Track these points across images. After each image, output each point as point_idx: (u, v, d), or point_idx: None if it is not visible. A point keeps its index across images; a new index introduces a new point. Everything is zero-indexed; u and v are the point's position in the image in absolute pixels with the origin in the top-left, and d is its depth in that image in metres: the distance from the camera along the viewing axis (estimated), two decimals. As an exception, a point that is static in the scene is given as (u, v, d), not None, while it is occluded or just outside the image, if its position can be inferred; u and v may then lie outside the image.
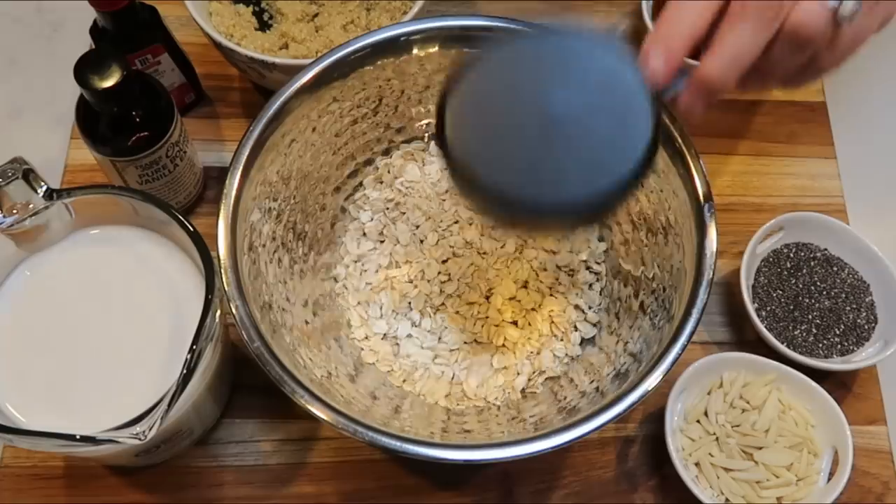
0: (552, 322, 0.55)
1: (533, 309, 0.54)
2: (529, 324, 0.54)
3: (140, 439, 0.39)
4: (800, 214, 0.59)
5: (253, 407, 0.55)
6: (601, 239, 0.57)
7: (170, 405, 0.39)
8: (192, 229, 0.45)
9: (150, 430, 0.39)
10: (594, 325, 0.54)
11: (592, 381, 0.50)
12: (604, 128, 0.37)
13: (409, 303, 0.55)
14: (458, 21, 0.53)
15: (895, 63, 0.62)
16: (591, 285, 0.56)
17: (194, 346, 0.41)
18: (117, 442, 0.38)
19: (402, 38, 0.53)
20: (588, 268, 0.57)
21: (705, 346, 0.58)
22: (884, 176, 0.66)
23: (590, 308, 0.55)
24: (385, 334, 0.54)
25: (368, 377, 0.52)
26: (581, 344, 0.54)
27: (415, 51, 0.53)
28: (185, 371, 0.40)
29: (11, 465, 0.52)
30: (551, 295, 0.55)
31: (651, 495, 0.53)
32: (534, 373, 0.53)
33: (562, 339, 0.54)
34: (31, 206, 0.44)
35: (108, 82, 0.48)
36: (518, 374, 0.53)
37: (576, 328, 0.54)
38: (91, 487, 0.52)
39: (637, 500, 0.53)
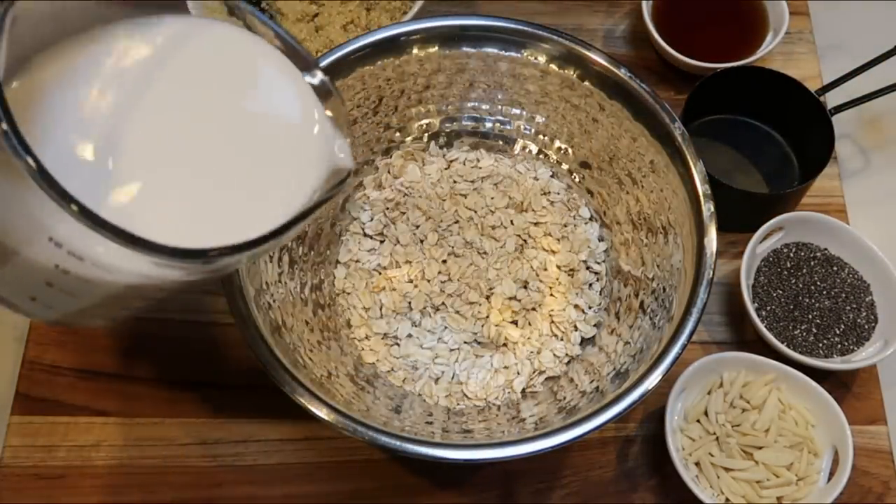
0: (552, 322, 0.55)
1: (533, 309, 0.54)
2: (529, 323, 0.54)
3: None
4: (800, 214, 0.59)
5: (253, 407, 0.54)
6: (601, 239, 0.57)
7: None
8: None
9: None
10: (594, 325, 0.54)
11: (592, 381, 0.50)
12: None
13: (409, 303, 0.55)
14: (458, 21, 0.53)
15: (894, 63, 0.61)
16: (590, 285, 0.56)
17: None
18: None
19: (401, 38, 0.53)
20: (588, 267, 0.57)
21: (705, 346, 0.58)
22: (884, 176, 0.66)
23: (590, 308, 0.55)
24: (385, 334, 0.54)
25: (368, 377, 0.52)
26: (581, 344, 0.54)
27: (414, 51, 0.53)
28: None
29: (11, 464, 0.52)
30: (551, 295, 0.55)
31: (651, 495, 0.53)
32: (534, 372, 0.53)
33: (562, 339, 0.54)
34: None
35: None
36: (518, 374, 0.53)
37: (576, 328, 0.54)
38: (91, 487, 0.52)
39: (637, 500, 0.53)
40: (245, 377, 0.55)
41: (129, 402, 0.55)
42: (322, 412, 0.42)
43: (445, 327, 0.54)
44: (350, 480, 0.53)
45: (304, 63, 0.37)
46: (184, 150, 0.33)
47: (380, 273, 0.56)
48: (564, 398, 0.50)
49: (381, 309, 0.55)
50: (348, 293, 0.56)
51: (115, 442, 0.53)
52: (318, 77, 0.37)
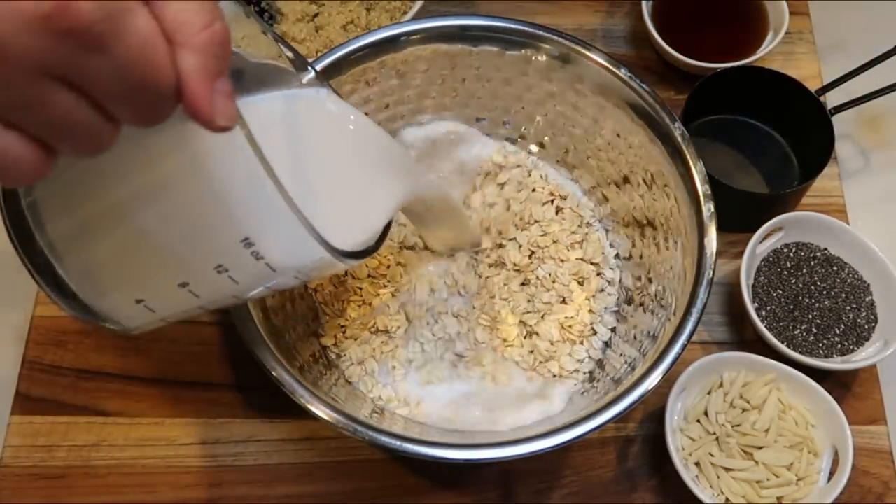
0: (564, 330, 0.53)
1: (541, 319, 0.53)
2: (550, 344, 0.53)
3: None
4: (800, 214, 0.59)
5: (253, 407, 0.54)
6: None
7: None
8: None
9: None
10: (611, 328, 0.54)
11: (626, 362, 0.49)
12: None
13: (408, 322, 0.53)
14: (457, 21, 0.53)
15: (894, 63, 0.62)
16: (602, 290, 0.55)
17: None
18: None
19: (401, 38, 0.53)
20: (599, 274, 0.56)
21: (705, 346, 0.58)
22: (884, 176, 0.66)
23: (606, 307, 0.54)
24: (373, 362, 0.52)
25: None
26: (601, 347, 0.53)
27: (414, 51, 0.53)
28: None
29: (11, 464, 0.52)
30: (563, 303, 0.54)
31: (651, 495, 0.53)
32: (574, 371, 0.52)
33: (582, 343, 0.53)
34: None
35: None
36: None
37: (594, 331, 0.53)
38: (91, 487, 0.52)
39: (637, 500, 0.53)
40: (245, 377, 0.55)
41: (129, 402, 0.55)
42: (322, 412, 0.42)
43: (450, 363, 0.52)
44: (350, 480, 0.53)
45: (301, 64, 0.40)
46: (324, 175, 0.38)
47: (371, 282, 0.54)
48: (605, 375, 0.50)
49: (363, 319, 0.53)
50: (330, 296, 0.54)
51: (115, 442, 0.53)
52: (311, 75, 0.41)
